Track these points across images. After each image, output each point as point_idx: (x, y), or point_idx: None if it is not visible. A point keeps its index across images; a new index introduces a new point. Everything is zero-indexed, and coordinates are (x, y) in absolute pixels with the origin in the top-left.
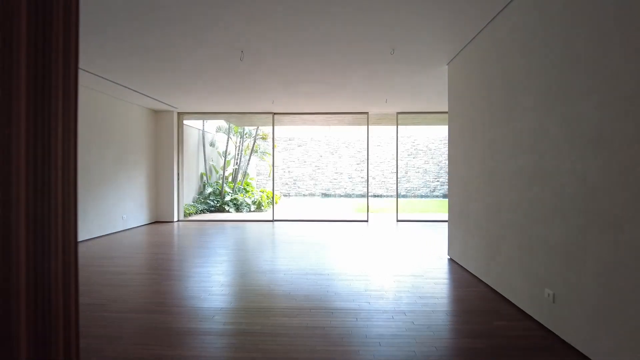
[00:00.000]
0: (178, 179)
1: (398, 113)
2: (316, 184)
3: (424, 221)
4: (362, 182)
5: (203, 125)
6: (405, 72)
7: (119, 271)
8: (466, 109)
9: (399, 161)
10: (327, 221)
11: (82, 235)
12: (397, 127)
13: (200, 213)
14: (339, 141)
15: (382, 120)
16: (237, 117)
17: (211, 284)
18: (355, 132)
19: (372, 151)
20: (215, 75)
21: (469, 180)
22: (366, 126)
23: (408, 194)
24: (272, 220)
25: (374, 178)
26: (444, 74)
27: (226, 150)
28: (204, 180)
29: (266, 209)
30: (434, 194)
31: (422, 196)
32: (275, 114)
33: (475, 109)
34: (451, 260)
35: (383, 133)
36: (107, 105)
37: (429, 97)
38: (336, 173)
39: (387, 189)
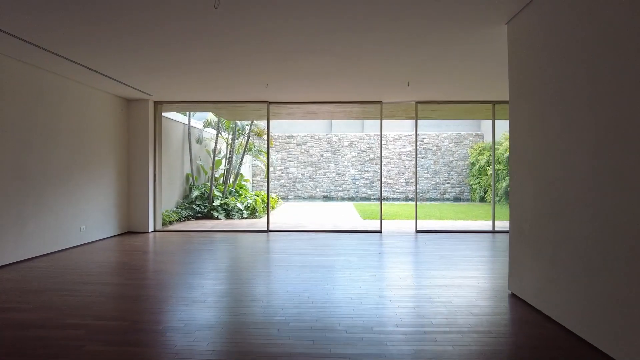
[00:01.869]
0: (154, 181)
1: (417, 103)
2: (317, 186)
3: (447, 232)
4: (367, 183)
5: (189, 119)
6: (442, 34)
7: (25, 321)
8: (547, 84)
9: (405, 161)
10: (332, 232)
11: (16, 255)
12: (416, 120)
13: (184, 220)
14: (342, 140)
15: (395, 112)
16: (227, 108)
17: (176, 348)
18: (359, 130)
19: (378, 150)
20: (188, 43)
21: (561, 186)
22: (379, 119)
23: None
24: (267, 231)
25: (379, 179)
26: (499, 38)
27: (215, 148)
28: (189, 183)
29: (261, 215)
30: (444, 197)
31: (431, 199)
32: (270, 103)
33: (568, 81)
34: (515, 298)
35: (389, 130)
36: (61, 90)
37: (461, 79)
38: (338, 174)
39: (394, 191)
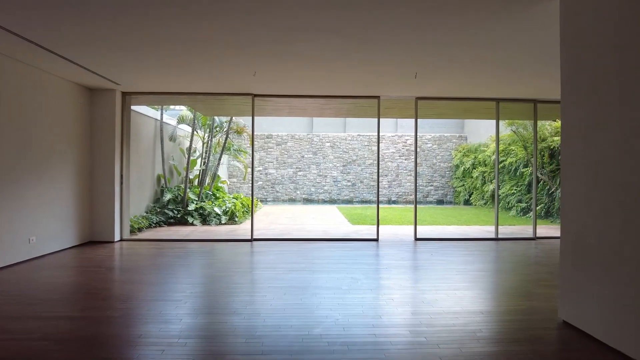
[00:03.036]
0: (122, 183)
1: (418, 99)
2: (297, 188)
3: (449, 239)
4: (349, 186)
5: (161, 114)
6: (469, 13)
7: None
8: (622, 70)
9: (388, 163)
10: (323, 240)
11: None
12: (416, 119)
13: (155, 227)
14: (323, 140)
15: (389, 110)
16: (205, 101)
17: None
18: (341, 130)
19: (360, 151)
20: (157, 13)
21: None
22: (372, 117)
23: (399, 199)
24: (251, 240)
25: (361, 182)
26: (546, 18)
27: (190, 146)
28: (161, 185)
29: (241, 220)
30: (427, 199)
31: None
32: (255, 95)
33: None
34: (570, 328)
35: (371, 130)
36: (5, 73)
37: (475, 72)
38: (320, 176)
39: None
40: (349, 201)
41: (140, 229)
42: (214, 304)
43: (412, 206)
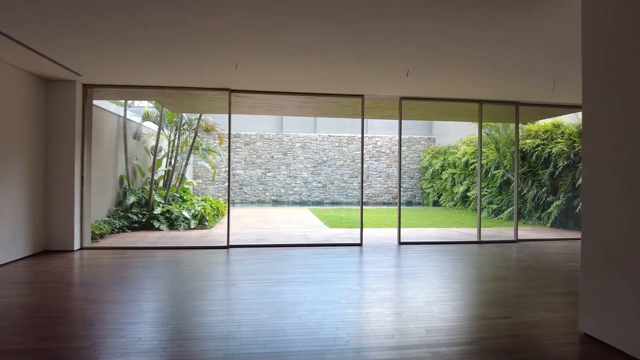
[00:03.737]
0: (82, 185)
1: (402, 98)
2: (266, 190)
3: (433, 243)
4: (320, 187)
5: (125, 110)
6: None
7: None
8: None
9: (359, 164)
10: (305, 246)
11: None
12: (400, 119)
13: (118, 232)
14: (293, 140)
15: (370, 110)
16: (176, 96)
17: None
18: (311, 130)
19: (331, 152)
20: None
21: None
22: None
23: (369, 201)
24: (227, 247)
25: (332, 183)
26: (564, 14)
27: (157, 145)
28: (124, 186)
29: (211, 225)
30: (396, 200)
31: (384, 204)
32: (232, 91)
33: None
34: (593, 340)
35: (342, 131)
36: None
37: (475, 70)
38: (290, 177)
39: (347, 195)
40: (320, 203)
41: (102, 235)
42: (200, 327)
43: (384, 208)
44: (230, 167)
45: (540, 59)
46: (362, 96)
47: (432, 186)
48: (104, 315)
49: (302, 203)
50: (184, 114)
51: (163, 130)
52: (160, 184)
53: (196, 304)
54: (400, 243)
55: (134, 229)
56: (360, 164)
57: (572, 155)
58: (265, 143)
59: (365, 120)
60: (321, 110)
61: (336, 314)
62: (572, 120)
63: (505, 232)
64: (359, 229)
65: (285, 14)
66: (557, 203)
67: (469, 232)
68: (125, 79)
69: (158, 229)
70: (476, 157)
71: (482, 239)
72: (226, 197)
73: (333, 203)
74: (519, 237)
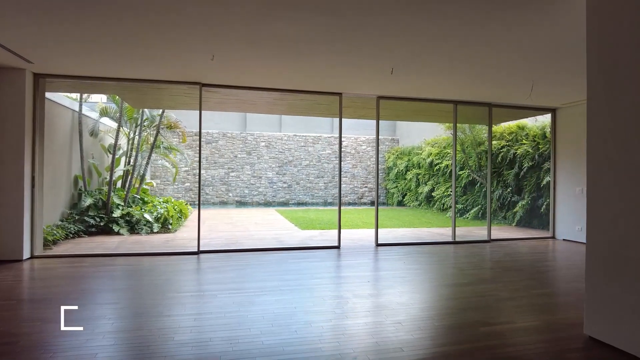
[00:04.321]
0: (33, 186)
1: (379, 98)
2: (229, 190)
3: (409, 244)
4: (285, 187)
5: (80, 104)
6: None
7: None
8: None
9: (325, 164)
10: (281, 250)
11: None
12: (377, 119)
13: (73, 238)
14: (258, 139)
15: (345, 109)
16: (140, 90)
17: None
18: (276, 129)
19: (297, 152)
20: None
21: None
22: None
23: (335, 201)
24: (198, 252)
25: (297, 183)
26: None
27: (116, 143)
28: (79, 187)
29: (175, 228)
30: (362, 201)
31: (350, 204)
32: (203, 85)
33: None
34: (600, 344)
35: (308, 131)
36: None
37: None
38: (254, 177)
39: (313, 195)
40: (285, 203)
41: (55, 242)
42: (186, 347)
43: (350, 208)
44: (201, 166)
45: (517, 61)
46: (340, 94)
47: (397, 186)
48: (65, 340)
49: (267, 204)
50: (146, 110)
51: (122, 128)
52: (118, 184)
53: (175, 320)
54: (377, 245)
55: (91, 234)
56: (326, 164)
57: (536, 157)
58: (228, 142)
59: (331, 119)
60: (295, 108)
61: (334, 326)
62: (534, 123)
63: (475, 231)
64: (332, 231)
65: (273, 2)
66: (523, 203)
67: (441, 232)
68: (82, 68)
69: (118, 234)
70: (441, 157)
71: (457, 239)
72: (187, 198)
73: (299, 204)
74: (492, 237)
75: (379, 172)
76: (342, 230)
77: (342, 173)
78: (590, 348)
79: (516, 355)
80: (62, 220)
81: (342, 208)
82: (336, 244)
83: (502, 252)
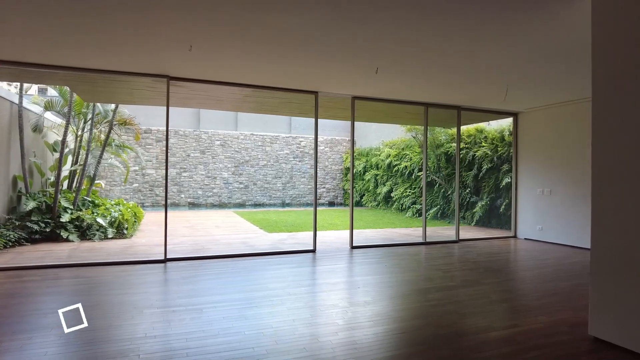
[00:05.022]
0: None
1: (355, 98)
2: (181, 191)
3: (383, 246)
4: (241, 188)
5: (21, 95)
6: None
7: None
8: None
9: (282, 164)
10: (253, 255)
11: None
12: (352, 120)
13: (13, 246)
14: (213, 138)
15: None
16: (95, 81)
17: None
18: (232, 127)
19: (254, 152)
20: None
21: None
22: (311, 115)
23: (293, 202)
24: (164, 261)
25: (254, 184)
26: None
27: (64, 140)
28: (19, 189)
29: (131, 233)
30: (320, 202)
31: (307, 204)
32: (171, 78)
33: None
34: (607, 345)
35: (266, 130)
36: None
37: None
38: (208, 177)
39: (271, 196)
40: (242, 205)
41: None
42: None
43: (309, 209)
44: (168, 166)
45: (490, 68)
46: (316, 93)
47: (355, 187)
48: None
49: (221, 205)
50: (98, 104)
51: (72, 124)
52: (65, 185)
53: (163, 342)
54: (352, 247)
55: (34, 242)
56: (283, 165)
57: (495, 159)
58: (180, 140)
59: (290, 119)
60: (264, 106)
61: (344, 340)
62: (488, 126)
63: (439, 231)
64: (301, 233)
65: None
66: (482, 203)
67: (408, 233)
68: (25, 54)
69: (67, 240)
70: (399, 159)
71: (427, 239)
72: (135, 200)
73: (256, 205)
74: (460, 238)
75: (337, 172)
76: (309, 232)
77: (300, 174)
78: (600, 350)
79: (535, 355)
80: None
81: (299, 209)
82: (311, 248)
83: (475, 252)
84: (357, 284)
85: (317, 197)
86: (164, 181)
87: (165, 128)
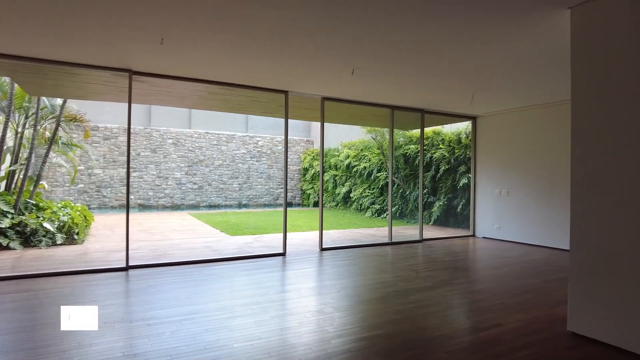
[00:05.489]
0: None
1: (324, 99)
2: (131, 192)
3: (351, 247)
4: (195, 189)
5: None
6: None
7: None
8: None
9: (239, 164)
10: (221, 261)
11: None
12: (322, 121)
13: None
14: (164, 136)
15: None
16: (44, 73)
17: None
18: (186, 125)
19: (209, 151)
20: None
21: None
22: (281, 115)
23: (250, 203)
24: (126, 268)
25: (209, 184)
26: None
27: (4, 137)
28: None
29: (82, 238)
30: (278, 202)
31: (265, 205)
32: (134, 72)
33: None
34: (587, 340)
35: (222, 128)
36: None
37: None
38: (160, 178)
39: (227, 197)
40: (196, 206)
41: None
42: None
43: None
44: (129, 166)
45: (454, 73)
46: (286, 92)
47: (313, 187)
48: None
49: (174, 207)
50: (44, 99)
51: (12, 121)
52: (2, 186)
53: (147, 359)
54: (322, 249)
55: None
56: (240, 165)
57: (452, 160)
58: (130, 138)
59: (247, 117)
60: (230, 104)
61: (340, 349)
62: (449, 129)
63: (401, 231)
64: (267, 236)
65: None
66: (440, 203)
67: (372, 233)
68: None
69: (7, 248)
70: (358, 160)
71: (393, 240)
72: (81, 202)
73: (211, 206)
74: (424, 237)
75: (295, 173)
76: (274, 234)
77: (257, 174)
78: (582, 345)
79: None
80: None
81: (257, 210)
82: (281, 251)
83: (441, 252)
84: (336, 287)
85: (275, 198)
86: (111, 181)
87: (108, 125)
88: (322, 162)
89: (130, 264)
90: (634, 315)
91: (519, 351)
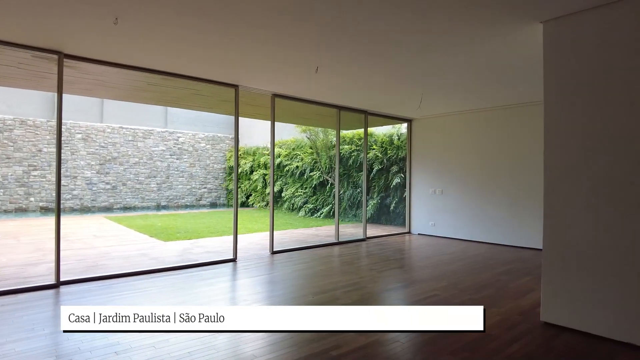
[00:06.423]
0: None
1: (275, 95)
2: (30, 194)
3: (301, 249)
4: (109, 189)
5: None
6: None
7: None
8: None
9: (158, 162)
10: (166, 271)
11: None
12: (272, 119)
13: None
14: (72, 130)
15: (224, 104)
16: None
17: None
18: (97, 119)
19: (123, 147)
20: None
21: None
22: (231, 112)
23: (170, 204)
24: (57, 285)
25: (124, 184)
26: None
27: None
28: None
29: None
30: (201, 203)
31: (187, 206)
32: (66, 56)
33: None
34: (559, 328)
35: (138, 123)
36: None
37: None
38: (66, 177)
39: (144, 198)
40: (109, 208)
41: None
42: None
43: (189, 212)
44: (61, 165)
45: (400, 78)
46: (236, 86)
47: (240, 187)
48: None
49: (84, 210)
50: None
51: None
52: None
53: None
54: (273, 252)
55: None
56: (159, 163)
57: (385, 160)
58: (28, 132)
59: (165, 109)
60: (168, 96)
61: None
62: (382, 131)
63: (340, 230)
64: (204, 240)
65: None
66: (373, 202)
67: (315, 233)
68: None
69: None
70: (290, 159)
71: (336, 239)
72: None
73: (126, 208)
74: (367, 236)
75: (220, 172)
76: (213, 239)
77: (178, 172)
78: (559, 333)
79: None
80: None
81: (178, 212)
82: (230, 257)
83: (389, 249)
84: (308, 294)
85: (198, 199)
86: (5, 182)
87: (3, 116)
88: (274, 163)
89: (62, 279)
90: (598, 304)
91: (510, 345)
